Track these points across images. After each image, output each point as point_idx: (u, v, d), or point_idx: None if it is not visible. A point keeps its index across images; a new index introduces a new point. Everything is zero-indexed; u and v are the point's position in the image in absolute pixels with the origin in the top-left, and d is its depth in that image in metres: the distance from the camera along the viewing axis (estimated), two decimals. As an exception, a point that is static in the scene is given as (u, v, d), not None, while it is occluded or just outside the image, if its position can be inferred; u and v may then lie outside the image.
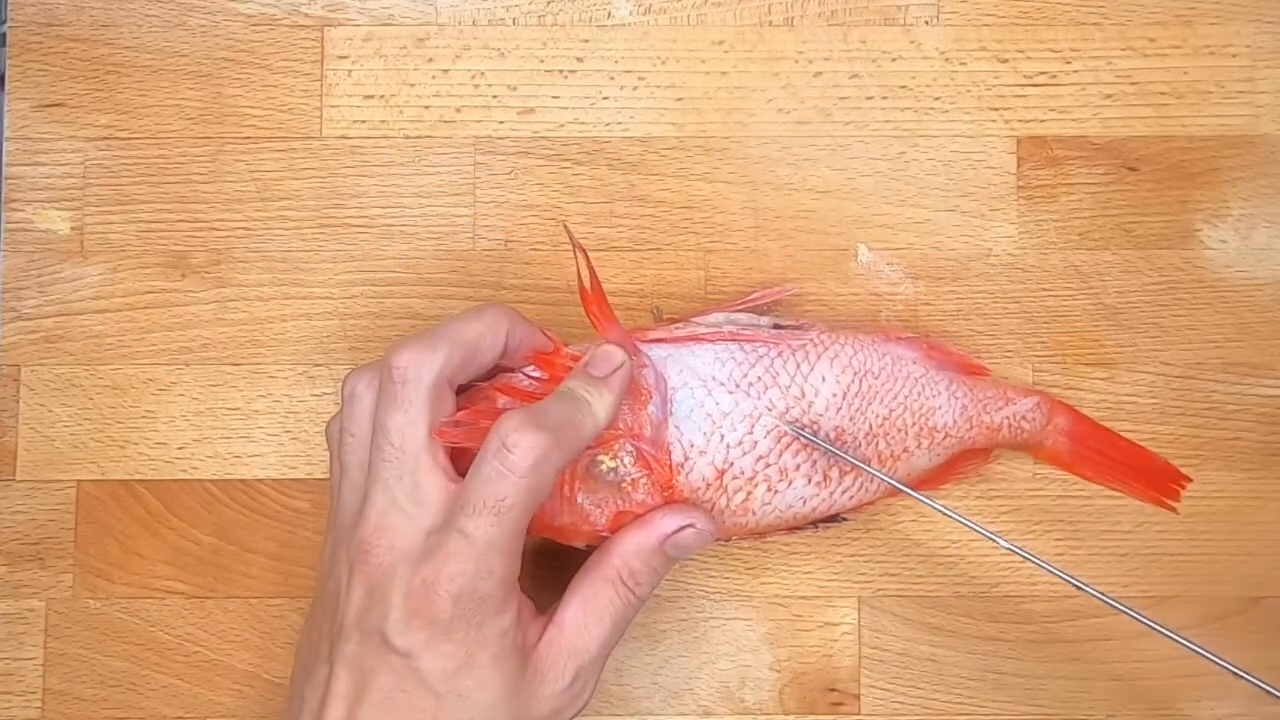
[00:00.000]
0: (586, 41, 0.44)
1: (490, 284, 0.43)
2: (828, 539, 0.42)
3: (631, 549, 0.37)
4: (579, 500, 0.37)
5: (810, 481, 0.38)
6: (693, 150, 0.43)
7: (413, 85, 0.44)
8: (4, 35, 0.44)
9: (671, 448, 0.37)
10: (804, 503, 0.39)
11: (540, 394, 0.37)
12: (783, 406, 0.38)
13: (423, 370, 0.35)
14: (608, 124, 0.43)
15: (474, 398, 0.37)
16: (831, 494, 0.39)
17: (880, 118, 0.43)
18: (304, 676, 0.36)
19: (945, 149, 0.43)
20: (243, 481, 0.43)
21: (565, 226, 0.41)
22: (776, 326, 0.39)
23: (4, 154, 0.43)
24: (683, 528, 0.37)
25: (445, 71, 0.44)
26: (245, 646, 0.42)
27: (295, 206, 0.43)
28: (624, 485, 0.37)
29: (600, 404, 0.36)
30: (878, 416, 0.39)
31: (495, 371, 0.38)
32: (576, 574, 0.37)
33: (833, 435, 0.38)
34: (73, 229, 0.43)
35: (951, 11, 0.44)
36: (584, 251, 0.37)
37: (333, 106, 0.43)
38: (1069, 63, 0.44)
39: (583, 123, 0.43)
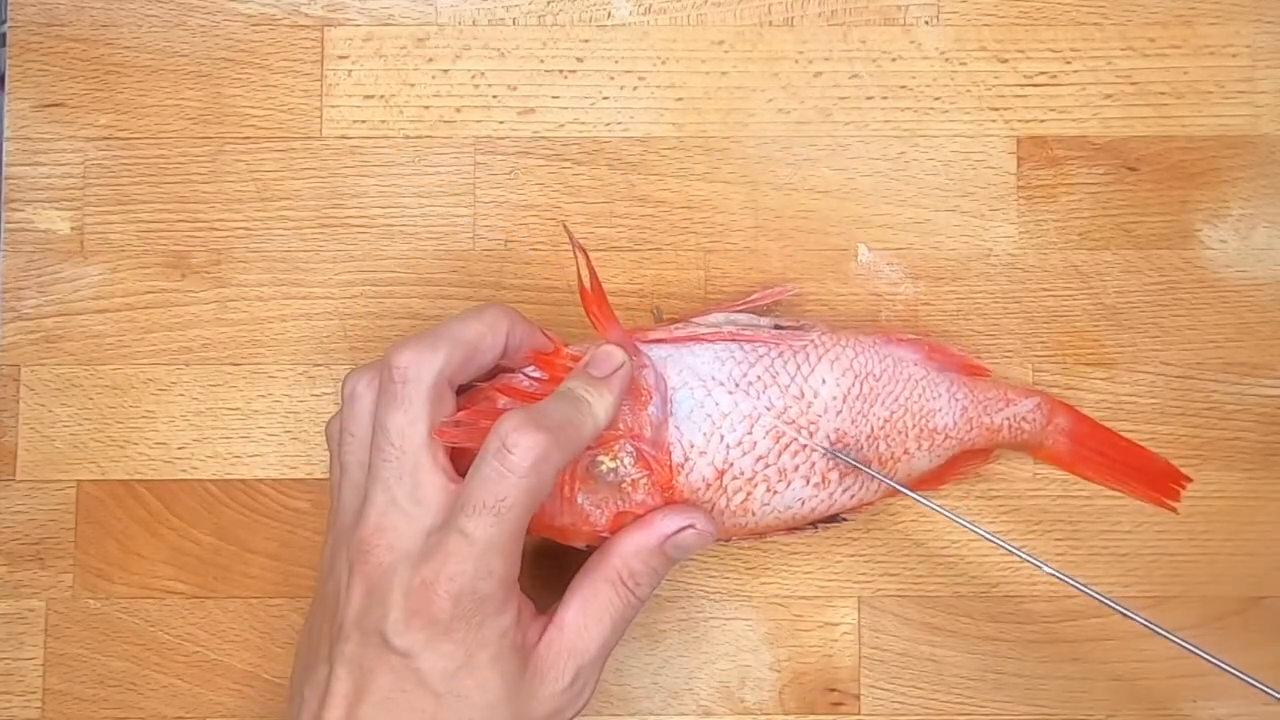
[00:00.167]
0: (586, 41, 0.44)
1: (490, 284, 0.43)
2: (828, 539, 0.42)
3: (632, 549, 0.37)
4: (579, 501, 0.37)
5: (809, 483, 0.38)
6: (693, 150, 0.43)
7: (413, 85, 0.44)
8: (4, 35, 0.44)
9: (671, 448, 0.37)
10: (803, 504, 0.39)
11: (540, 394, 0.37)
12: (781, 406, 0.38)
13: (423, 370, 0.35)
14: (608, 124, 0.43)
15: (474, 398, 0.37)
16: (831, 495, 0.39)
17: (880, 118, 0.43)
18: (304, 676, 0.36)
19: (945, 149, 0.43)
20: (243, 481, 0.43)
21: (565, 226, 0.41)
22: (777, 327, 0.39)
23: (4, 154, 0.43)
24: (683, 528, 0.37)
25: (445, 71, 0.44)
26: (245, 646, 0.42)
27: (295, 206, 0.43)
28: (624, 486, 0.37)
29: (600, 404, 0.36)
30: (879, 419, 0.39)
31: (495, 372, 0.38)
32: (576, 574, 0.37)
33: (833, 437, 0.38)
34: (73, 229, 0.43)
35: (951, 11, 0.44)
36: (584, 251, 0.37)
37: (333, 106, 0.43)
38: (1069, 63, 0.44)
39: (583, 123, 0.43)
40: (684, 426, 0.37)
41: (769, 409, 0.38)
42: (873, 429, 0.39)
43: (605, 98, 0.43)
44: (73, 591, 0.42)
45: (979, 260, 0.43)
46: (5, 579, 0.42)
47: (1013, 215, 0.43)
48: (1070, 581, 0.37)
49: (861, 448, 0.39)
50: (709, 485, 0.37)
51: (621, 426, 0.37)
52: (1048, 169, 0.43)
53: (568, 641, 0.36)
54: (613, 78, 0.44)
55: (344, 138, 0.43)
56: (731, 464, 0.37)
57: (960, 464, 0.41)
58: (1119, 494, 0.41)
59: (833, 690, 0.42)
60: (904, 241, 0.43)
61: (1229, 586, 0.42)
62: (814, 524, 0.40)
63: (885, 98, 0.43)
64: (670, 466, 0.37)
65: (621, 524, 0.37)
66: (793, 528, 0.39)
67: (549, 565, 0.41)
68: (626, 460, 0.37)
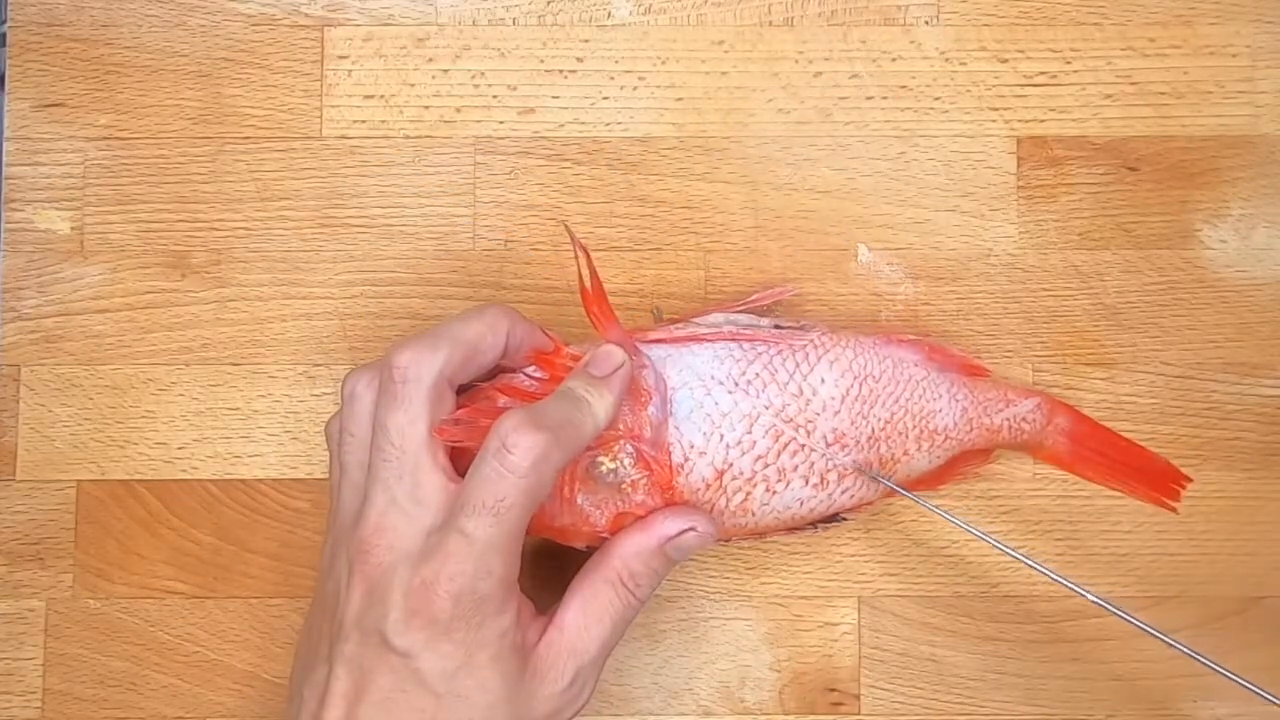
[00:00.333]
0: (586, 41, 0.44)
1: (490, 284, 0.43)
2: (828, 538, 0.42)
3: (632, 551, 0.37)
4: (579, 501, 0.37)
5: (808, 483, 0.38)
6: (693, 150, 0.43)
7: (413, 85, 0.44)
8: (4, 35, 0.44)
9: (671, 448, 0.37)
10: (802, 504, 0.39)
11: (541, 394, 0.37)
12: (780, 404, 0.38)
13: (423, 370, 0.35)
14: (608, 124, 0.43)
15: (474, 397, 0.37)
16: (830, 495, 0.39)
17: (880, 118, 0.43)
18: (303, 676, 0.36)
19: (945, 149, 0.43)
20: (243, 481, 0.43)
21: (566, 226, 0.41)
22: (777, 327, 0.39)
23: (4, 154, 0.43)
24: (684, 531, 0.37)
25: (445, 71, 0.44)
26: (245, 646, 0.42)
27: (295, 206, 0.43)
28: (624, 487, 0.37)
29: (600, 403, 0.36)
30: (879, 420, 0.39)
31: (496, 372, 0.38)
32: (577, 575, 0.37)
33: (831, 438, 0.38)
34: (73, 229, 0.43)
35: (951, 11, 0.44)
36: (585, 251, 0.37)
37: (333, 106, 0.43)
38: (1069, 63, 0.44)
39: (583, 123, 0.43)
40: (684, 427, 0.37)
41: (767, 408, 0.38)
42: (873, 430, 0.39)
43: (605, 98, 0.43)
44: (73, 591, 0.42)
45: (979, 260, 0.43)
46: (5, 579, 0.42)
47: (1013, 215, 0.43)
48: (1068, 584, 0.37)
49: (862, 448, 0.39)
50: (709, 485, 0.37)
51: (621, 427, 0.37)
52: (1048, 169, 0.43)
53: (568, 642, 0.36)
54: (613, 78, 0.44)
55: (344, 138, 0.43)
56: (731, 464, 0.37)
57: (960, 464, 0.41)
58: (1119, 494, 0.41)
59: (833, 690, 0.42)
60: (904, 241, 0.43)
61: (1229, 586, 0.42)
62: (814, 524, 0.40)
63: (885, 98, 0.43)
64: (670, 467, 0.37)
65: (621, 525, 0.37)
66: (792, 528, 0.39)
67: (549, 565, 0.41)
68: (626, 461, 0.37)
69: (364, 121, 0.43)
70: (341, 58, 0.44)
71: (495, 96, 0.44)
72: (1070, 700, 0.42)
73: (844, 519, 0.40)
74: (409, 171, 0.43)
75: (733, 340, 0.38)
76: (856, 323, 0.43)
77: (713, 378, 0.38)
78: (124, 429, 0.43)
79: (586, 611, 0.36)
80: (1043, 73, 0.44)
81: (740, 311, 0.40)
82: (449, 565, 0.34)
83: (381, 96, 0.43)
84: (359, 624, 0.35)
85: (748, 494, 0.38)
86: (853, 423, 0.38)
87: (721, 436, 0.37)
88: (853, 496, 0.39)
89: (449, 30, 0.44)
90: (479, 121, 0.43)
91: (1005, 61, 0.44)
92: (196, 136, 0.43)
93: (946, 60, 0.44)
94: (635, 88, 0.44)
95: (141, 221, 0.43)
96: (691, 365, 0.38)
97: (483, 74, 0.44)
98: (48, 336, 0.43)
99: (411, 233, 0.43)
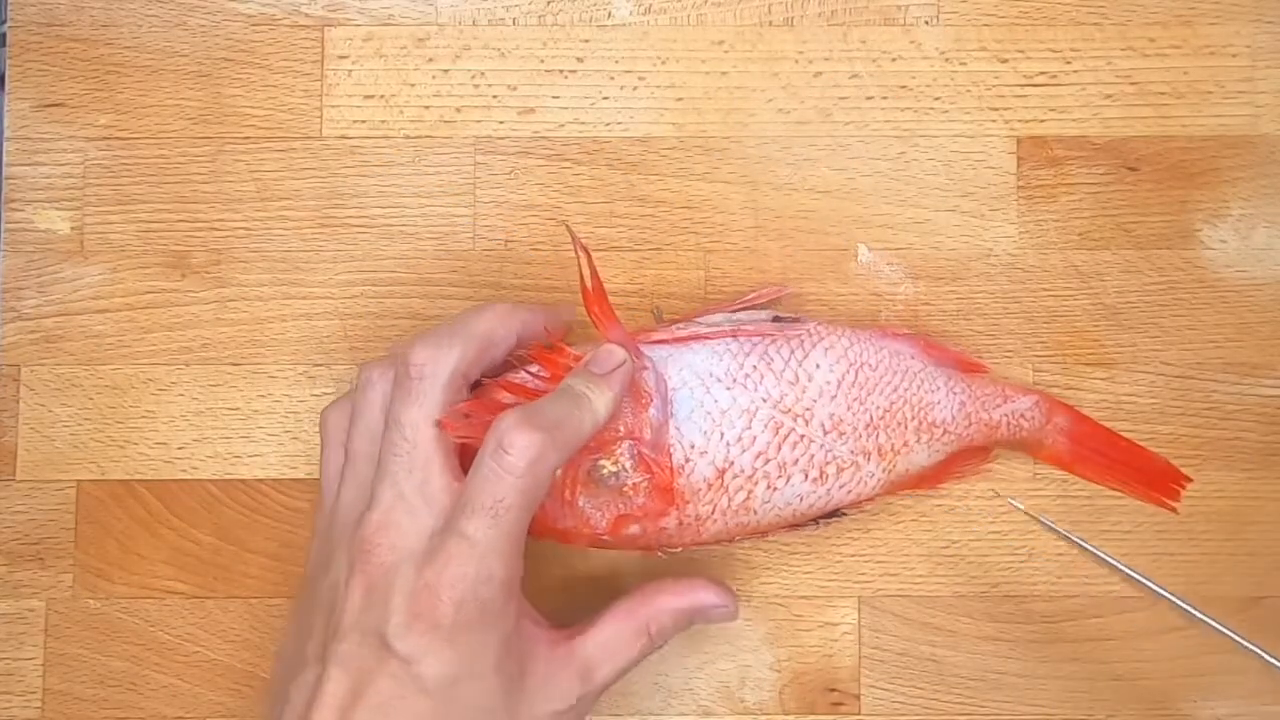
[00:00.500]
0: (586, 41, 0.44)
1: (490, 284, 0.43)
2: (828, 538, 0.42)
3: (669, 608, 0.37)
4: (580, 504, 0.37)
5: (807, 478, 0.38)
6: (693, 150, 0.43)
7: (413, 85, 0.44)
8: (4, 35, 0.44)
9: (672, 449, 0.37)
10: (802, 499, 0.39)
11: (544, 393, 0.37)
12: (778, 395, 0.38)
13: (439, 366, 0.36)
14: (608, 124, 0.43)
15: (479, 394, 0.37)
16: (829, 490, 0.39)
17: (880, 118, 0.43)
18: (288, 676, 0.35)
19: (945, 149, 0.43)
20: (243, 481, 0.43)
21: (567, 226, 0.41)
22: (776, 319, 0.40)
23: (4, 154, 0.43)
24: (718, 606, 0.38)
25: (445, 71, 0.44)
26: (245, 646, 0.42)
27: (295, 206, 0.43)
28: (625, 489, 0.37)
29: (600, 400, 0.36)
30: (878, 409, 0.39)
31: (506, 366, 0.38)
32: (611, 608, 0.37)
33: (829, 424, 0.38)
34: (73, 229, 0.43)
35: (951, 11, 0.44)
36: (586, 251, 0.37)
37: (333, 106, 0.43)
38: (1069, 63, 0.44)
39: (583, 123, 0.43)
40: (684, 427, 0.37)
41: (765, 400, 0.38)
42: (871, 418, 0.39)
43: (605, 98, 0.43)
44: (73, 591, 0.42)
45: (979, 260, 0.43)
46: (5, 579, 0.42)
47: (1013, 215, 0.43)
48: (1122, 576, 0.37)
49: (861, 436, 0.39)
50: (710, 485, 0.37)
51: (622, 429, 0.37)
52: (1048, 169, 0.43)
53: (580, 668, 0.36)
54: (613, 78, 0.44)
55: (344, 138, 0.43)
56: (732, 462, 0.37)
57: (959, 462, 0.41)
58: (1119, 494, 0.41)
59: (833, 690, 0.42)
60: (904, 241, 0.43)
61: (1229, 586, 0.42)
62: (814, 520, 0.40)
63: (885, 98, 0.43)
64: (671, 469, 0.37)
65: (623, 526, 0.37)
66: (794, 525, 0.39)
67: (551, 570, 0.41)
68: (627, 464, 0.37)
69: (364, 121, 0.43)
70: (341, 58, 0.44)
71: (495, 96, 0.43)
72: (1070, 700, 0.42)
73: (844, 515, 0.40)
74: (409, 171, 0.43)
75: (732, 336, 0.38)
76: (856, 322, 0.43)
77: (711, 375, 0.38)
78: (124, 429, 0.43)
79: (607, 647, 0.37)
80: (1043, 73, 0.44)
81: (740, 312, 0.40)
82: (451, 568, 0.34)
83: (381, 96, 0.43)
84: (358, 625, 0.34)
85: (749, 492, 0.38)
86: (849, 408, 0.39)
87: (722, 434, 0.37)
88: (850, 492, 0.39)
89: (449, 30, 0.44)
90: (479, 121, 0.43)
91: (1005, 61, 0.44)
92: (196, 136, 0.43)
93: (946, 60, 0.44)
94: (635, 88, 0.43)
95: (141, 221, 0.43)
96: (690, 364, 0.38)
97: (483, 74, 0.44)
98: (48, 336, 0.43)
99: (411, 233, 0.43)
